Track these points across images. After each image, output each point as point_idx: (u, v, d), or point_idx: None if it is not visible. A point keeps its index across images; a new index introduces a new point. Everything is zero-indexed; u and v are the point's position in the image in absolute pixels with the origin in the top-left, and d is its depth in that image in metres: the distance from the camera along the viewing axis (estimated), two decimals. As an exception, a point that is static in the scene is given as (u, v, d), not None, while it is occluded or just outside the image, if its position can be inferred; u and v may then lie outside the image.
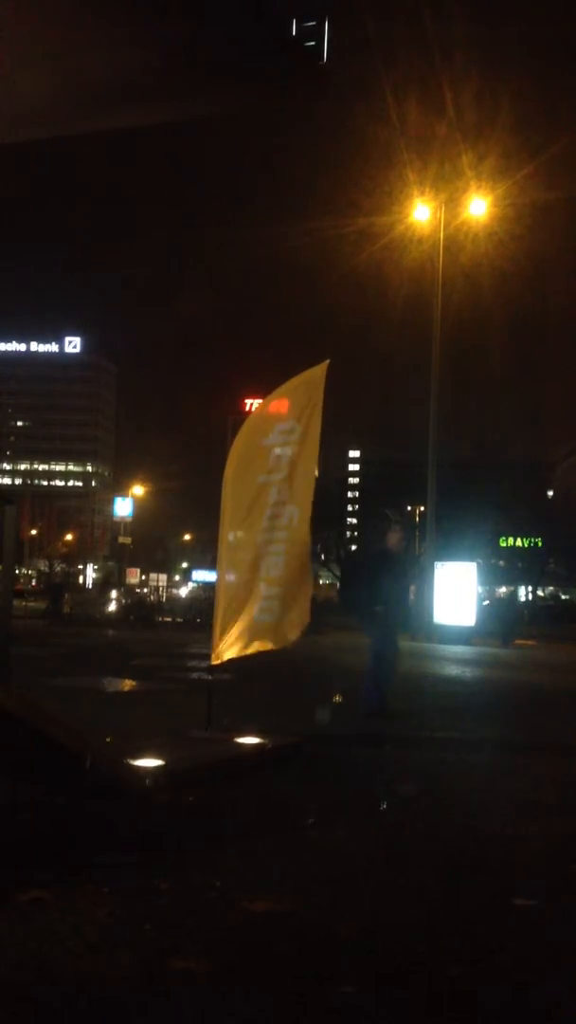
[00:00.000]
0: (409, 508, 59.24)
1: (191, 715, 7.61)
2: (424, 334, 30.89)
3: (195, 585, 62.49)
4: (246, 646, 7.20)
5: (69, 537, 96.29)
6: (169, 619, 34.35)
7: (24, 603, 37.00)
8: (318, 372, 7.27)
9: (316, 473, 7.20)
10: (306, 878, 4.05)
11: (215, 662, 7.31)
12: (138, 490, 71.16)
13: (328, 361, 7.22)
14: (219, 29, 4.40)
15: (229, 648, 7.23)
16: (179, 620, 33.54)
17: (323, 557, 69.90)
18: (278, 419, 7.32)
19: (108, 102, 5.02)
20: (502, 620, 28.29)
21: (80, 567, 79.45)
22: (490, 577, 68.28)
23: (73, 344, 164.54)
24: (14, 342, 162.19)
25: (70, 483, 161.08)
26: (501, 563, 69.28)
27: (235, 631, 7.20)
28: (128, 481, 76.35)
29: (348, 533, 75.03)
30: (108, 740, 6.50)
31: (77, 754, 4.53)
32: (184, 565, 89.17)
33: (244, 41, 4.51)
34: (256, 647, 7.19)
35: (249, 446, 7.48)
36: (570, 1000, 3.01)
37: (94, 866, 3.95)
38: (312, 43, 4.74)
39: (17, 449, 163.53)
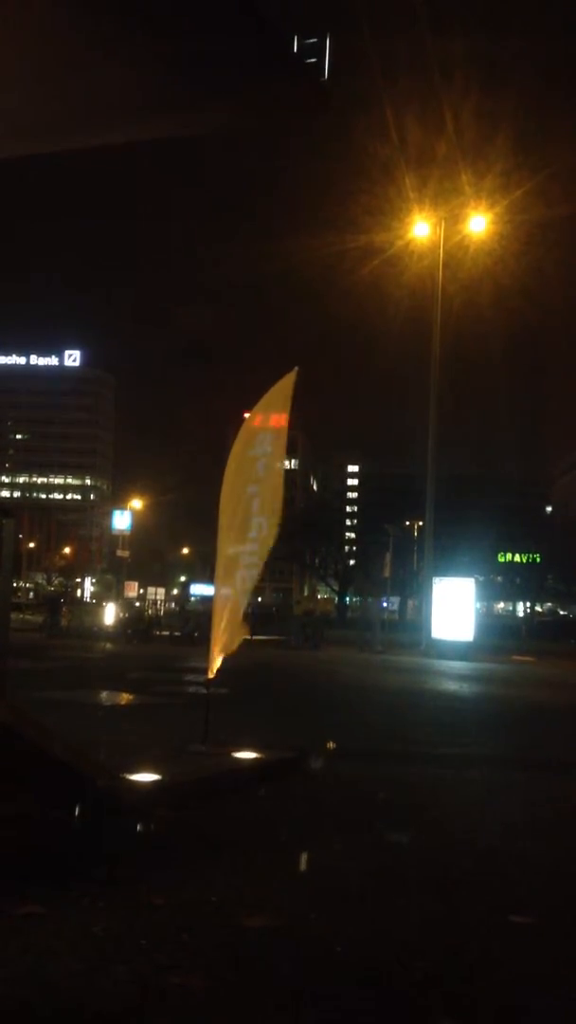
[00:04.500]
0: (408, 523, 59.27)
1: (188, 729, 7.59)
2: (424, 349, 31.01)
3: (193, 599, 62.42)
4: (223, 652, 7.26)
5: (67, 550, 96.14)
6: (167, 633, 34.27)
7: (21, 615, 36.95)
8: (287, 380, 7.40)
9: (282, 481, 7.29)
10: (303, 894, 4.03)
11: (212, 676, 7.30)
12: (137, 503, 71.15)
13: (296, 369, 7.37)
14: (218, 45, 4.41)
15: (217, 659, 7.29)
16: (176, 634, 33.45)
17: (322, 572, 69.94)
18: (260, 430, 7.43)
19: (103, 119, 5.03)
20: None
21: (78, 580, 79.34)
22: (488, 593, 68.29)
23: (73, 357, 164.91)
24: (14, 355, 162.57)
25: (69, 496, 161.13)
26: (499, 579, 69.33)
27: (223, 642, 7.26)
28: (127, 494, 76.38)
29: (347, 548, 74.89)
30: (102, 756, 6.47)
31: (73, 768, 4.51)
32: (183, 579, 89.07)
33: (244, 57, 4.53)
34: (225, 652, 7.25)
35: (239, 459, 7.54)
36: (568, 1018, 2.99)
37: (90, 881, 3.93)
38: (313, 60, 4.77)
39: (16, 462, 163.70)
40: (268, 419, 7.39)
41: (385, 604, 45.23)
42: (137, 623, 33.75)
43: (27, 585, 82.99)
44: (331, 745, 8.49)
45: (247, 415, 7.82)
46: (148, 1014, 2.78)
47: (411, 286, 32.11)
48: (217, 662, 7.24)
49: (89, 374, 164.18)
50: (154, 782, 5.52)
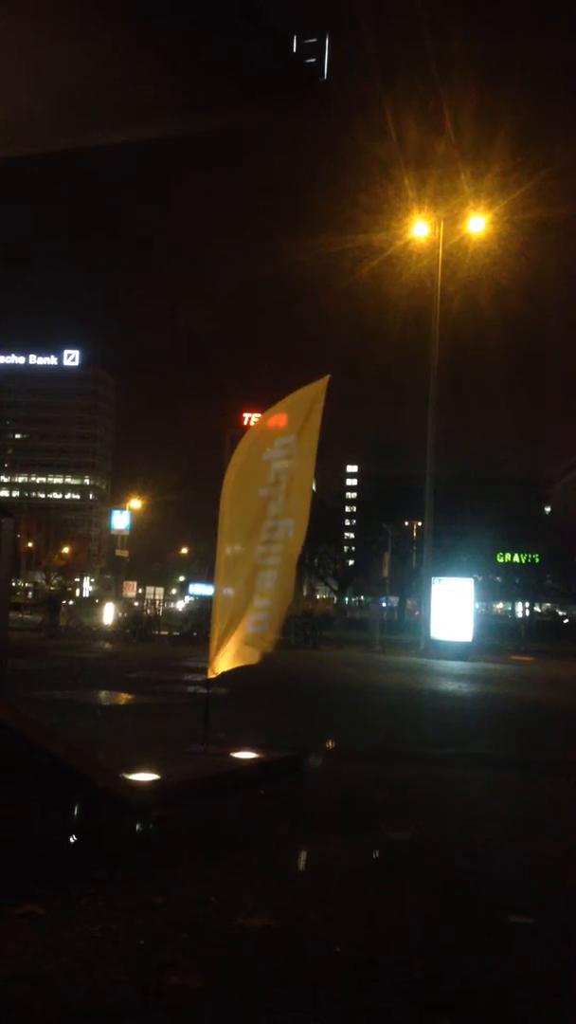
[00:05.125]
0: (407, 523, 59.25)
1: (188, 729, 7.59)
2: (423, 349, 31.02)
3: (192, 599, 62.42)
4: (237, 659, 7.19)
5: (66, 550, 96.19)
6: (166, 632, 34.27)
7: (20, 615, 36.94)
8: (318, 387, 7.29)
9: (312, 486, 7.21)
10: (302, 894, 4.03)
11: (212, 676, 7.29)
12: (135, 503, 71.14)
13: (329, 376, 7.24)
14: (217, 45, 4.41)
15: (224, 661, 7.22)
16: (176, 633, 33.45)
17: (321, 572, 69.89)
18: (278, 433, 7.33)
19: (99, 119, 5.03)
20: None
21: (77, 580, 79.38)
22: (487, 593, 68.31)
23: (72, 357, 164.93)
24: (13, 355, 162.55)
25: (68, 496, 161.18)
26: (498, 579, 69.33)
27: (230, 645, 7.19)
28: (126, 494, 76.34)
29: (346, 548, 74.87)
30: (101, 756, 6.47)
31: (72, 768, 4.51)
32: (181, 579, 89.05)
33: (243, 57, 4.53)
34: (245, 660, 7.18)
35: (249, 460, 7.48)
36: (568, 1019, 3.00)
37: (89, 880, 3.93)
38: (312, 60, 4.78)
39: (15, 462, 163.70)
40: (291, 424, 7.30)
41: (384, 604, 45.23)
42: (136, 623, 33.75)
43: (26, 585, 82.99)
44: (330, 744, 8.50)
45: (260, 416, 7.78)
46: (147, 1014, 2.78)
47: (410, 286, 32.13)
48: (223, 664, 7.21)
49: (88, 374, 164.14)
50: (153, 782, 5.52)
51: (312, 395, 7.26)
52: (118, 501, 78.33)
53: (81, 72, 4.43)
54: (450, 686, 16.72)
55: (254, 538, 7.21)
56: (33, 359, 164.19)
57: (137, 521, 69.60)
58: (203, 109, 5.03)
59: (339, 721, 10.32)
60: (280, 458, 7.21)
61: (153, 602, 56.73)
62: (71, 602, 49.24)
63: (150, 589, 67.94)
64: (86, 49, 4.23)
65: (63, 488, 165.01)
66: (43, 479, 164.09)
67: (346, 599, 69.57)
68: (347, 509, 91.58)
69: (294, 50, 4.70)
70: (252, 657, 7.14)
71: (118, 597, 48.91)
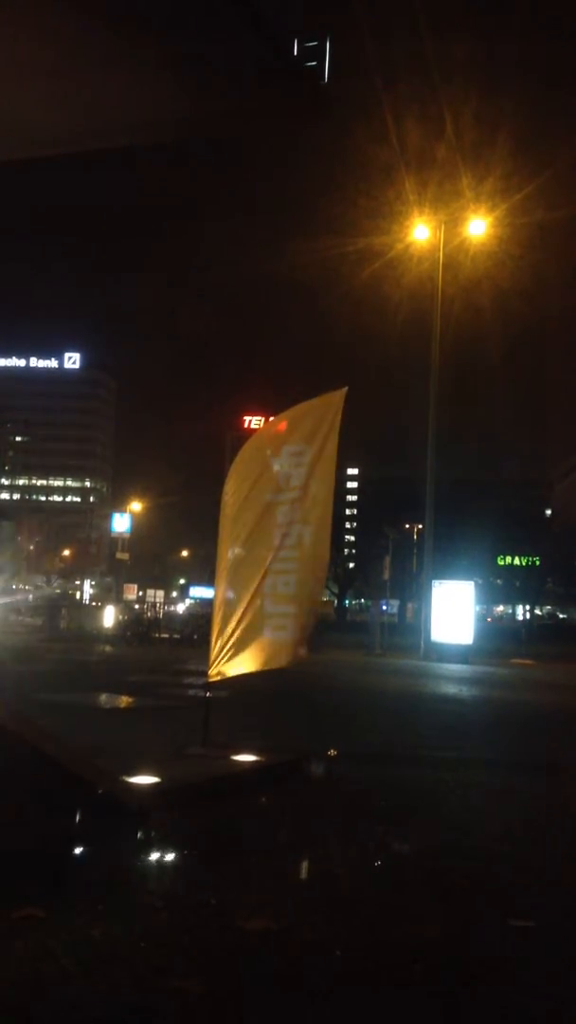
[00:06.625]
0: (408, 526, 59.20)
1: (188, 732, 7.58)
2: (424, 352, 30.99)
3: (192, 601, 62.40)
4: (258, 663, 7.17)
5: (67, 552, 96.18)
6: (166, 635, 34.25)
7: (20, 618, 36.93)
8: (336, 398, 7.32)
9: (331, 496, 7.27)
10: (302, 897, 4.03)
11: (212, 679, 7.29)
12: (136, 506, 71.24)
13: (346, 388, 7.29)
14: (217, 49, 4.42)
15: (233, 665, 7.21)
16: (176, 636, 33.43)
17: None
18: (286, 441, 7.35)
19: (99, 124, 5.04)
20: None
21: (78, 582, 79.33)
22: (488, 596, 68.21)
23: (72, 360, 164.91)
24: (14, 358, 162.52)
25: (68, 498, 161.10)
26: (499, 582, 69.25)
27: (239, 648, 7.18)
28: (126, 497, 76.48)
29: (346, 551, 74.81)
30: (101, 759, 6.47)
31: (72, 771, 4.51)
32: (182, 581, 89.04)
33: (243, 61, 4.53)
34: (270, 664, 7.17)
35: (254, 465, 7.49)
36: (567, 1022, 2.99)
37: (88, 883, 3.93)
38: (313, 63, 4.78)
39: (16, 464, 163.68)
40: (298, 431, 7.32)
41: (385, 607, 45.19)
42: (136, 626, 33.75)
43: (26, 587, 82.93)
44: (333, 753, 8.47)
45: (267, 420, 7.81)
46: (146, 1017, 2.77)
47: (411, 289, 32.13)
48: (234, 668, 7.20)
49: (89, 376, 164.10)
50: (153, 785, 5.52)
51: (328, 406, 7.30)
52: (118, 504, 78.40)
53: (81, 76, 4.43)
54: (451, 689, 16.72)
55: (262, 543, 7.21)
56: (34, 361, 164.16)
57: (137, 524, 69.71)
58: (203, 114, 5.03)
59: (340, 724, 10.31)
60: (290, 466, 7.23)
61: (153, 605, 56.71)
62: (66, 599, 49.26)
63: (150, 592, 67.89)
64: (86, 53, 4.23)
65: (63, 491, 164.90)
66: (43, 482, 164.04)
67: (346, 602, 69.49)
68: (347, 512, 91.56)
69: (294, 53, 4.70)
70: (278, 662, 7.14)
71: (119, 600, 48.90)
